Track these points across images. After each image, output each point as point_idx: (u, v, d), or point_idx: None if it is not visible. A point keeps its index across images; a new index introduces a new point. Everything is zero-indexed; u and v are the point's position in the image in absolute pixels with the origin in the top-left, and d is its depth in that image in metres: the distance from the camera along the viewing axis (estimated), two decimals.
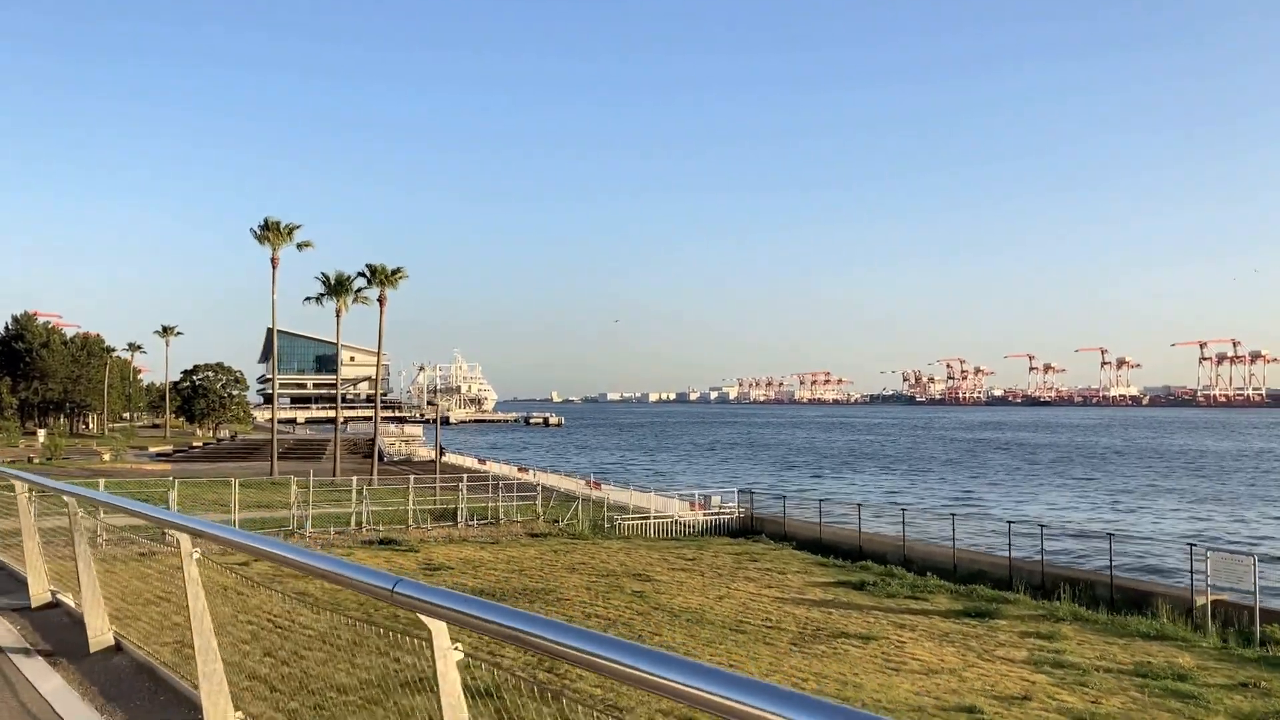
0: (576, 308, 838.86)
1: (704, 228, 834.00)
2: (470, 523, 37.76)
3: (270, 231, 66.64)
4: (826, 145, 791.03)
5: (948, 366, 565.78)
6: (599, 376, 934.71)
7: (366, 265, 61.81)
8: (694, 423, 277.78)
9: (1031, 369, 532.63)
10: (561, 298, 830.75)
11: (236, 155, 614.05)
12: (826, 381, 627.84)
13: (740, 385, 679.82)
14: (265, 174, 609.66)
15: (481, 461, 77.79)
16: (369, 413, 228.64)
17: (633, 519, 38.96)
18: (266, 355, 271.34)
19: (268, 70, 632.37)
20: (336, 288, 63.80)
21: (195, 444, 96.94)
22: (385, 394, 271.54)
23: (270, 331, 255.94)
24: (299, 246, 68.18)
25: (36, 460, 71.85)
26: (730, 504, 42.32)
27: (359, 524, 36.18)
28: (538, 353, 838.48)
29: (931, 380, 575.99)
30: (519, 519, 38.64)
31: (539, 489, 42.05)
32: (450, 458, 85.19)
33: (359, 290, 64.18)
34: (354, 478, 37.77)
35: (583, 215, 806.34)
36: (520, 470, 67.97)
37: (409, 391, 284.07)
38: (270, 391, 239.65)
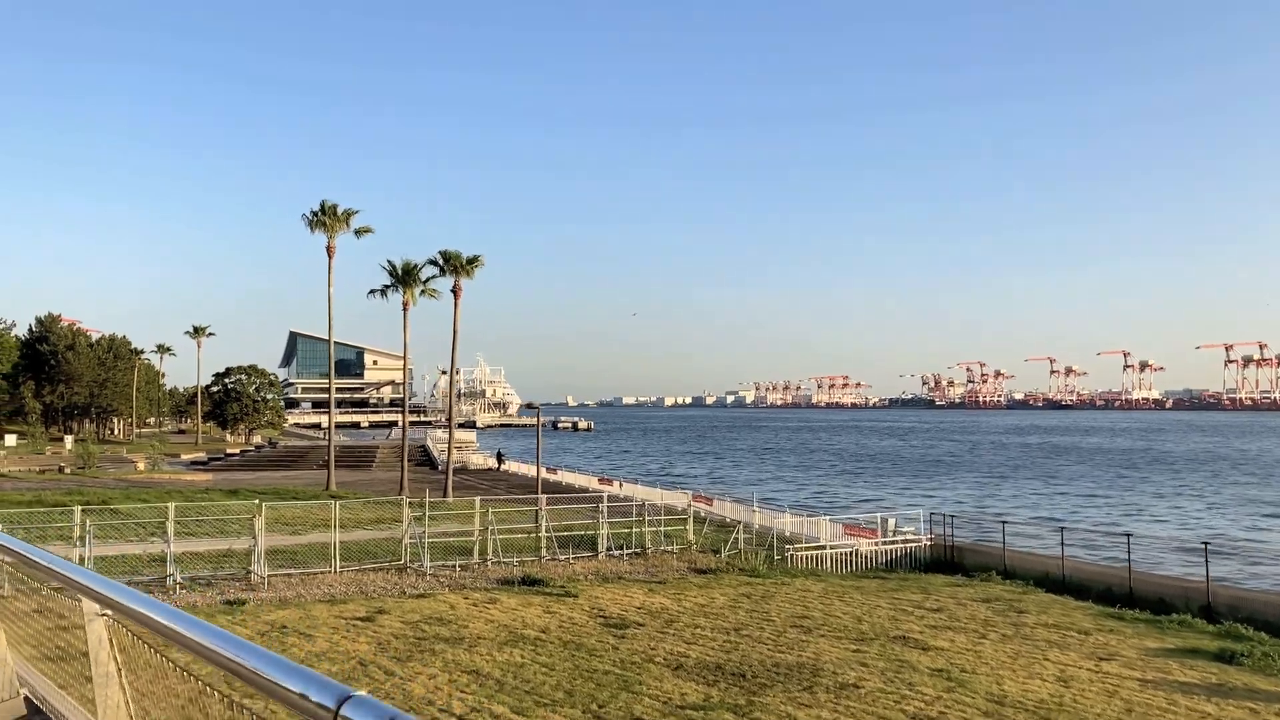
0: (589, 311, 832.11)
1: (717, 231, 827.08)
2: (612, 552, 31.01)
3: (326, 216, 60.25)
4: (841, 147, 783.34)
5: (967, 370, 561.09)
6: (613, 381, 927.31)
7: (439, 252, 55.16)
8: (723, 427, 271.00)
9: (1053, 372, 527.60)
10: (574, 301, 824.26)
11: (251, 162, 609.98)
12: (845, 385, 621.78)
13: (757, 389, 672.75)
14: (281, 180, 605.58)
15: (552, 471, 70.92)
16: (393, 417, 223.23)
17: (805, 549, 32.09)
18: (289, 359, 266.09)
19: (284, 84, 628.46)
20: (404, 278, 57.20)
21: (231, 451, 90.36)
22: (409, 398, 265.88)
23: (295, 336, 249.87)
24: (357, 233, 61.84)
25: (69, 470, 65.47)
26: (906, 528, 35.43)
27: (482, 554, 29.46)
28: (551, 357, 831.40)
29: (951, 384, 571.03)
30: (671, 548, 31.84)
31: (690, 511, 35.11)
32: (511, 466, 78.58)
33: (428, 281, 57.63)
34: (476, 498, 30.97)
35: (596, 218, 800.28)
36: (603, 481, 61.20)
37: (432, 395, 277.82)
38: (293, 396, 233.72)
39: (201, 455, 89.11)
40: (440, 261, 55.31)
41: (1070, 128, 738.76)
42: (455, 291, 55.18)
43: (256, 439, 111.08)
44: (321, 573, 27.11)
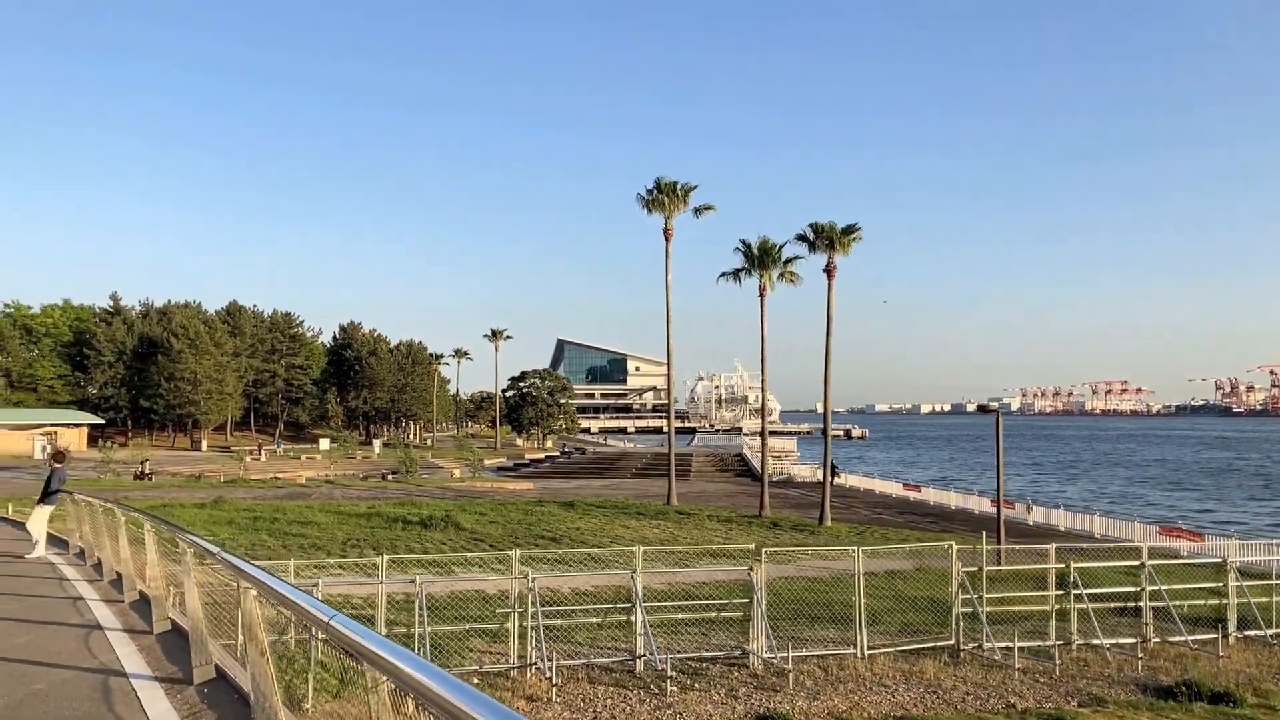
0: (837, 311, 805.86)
1: (971, 226, 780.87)
2: (1249, 633, 20.13)
3: (664, 195, 53.05)
4: (1119, 127, 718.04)
5: (1271, 374, 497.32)
6: (863, 387, 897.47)
7: (809, 225, 45.92)
8: (1007, 435, 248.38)
9: None
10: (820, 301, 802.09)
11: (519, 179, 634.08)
12: (1123, 391, 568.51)
13: (1023, 395, 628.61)
14: (535, 188, 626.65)
15: (912, 488, 60.30)
16: (658, 423, 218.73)
17: None
18: (555, 365, 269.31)
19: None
20: (760, 259, 48.62)
21: (535, 457, 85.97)
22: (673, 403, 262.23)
23: (561, 343, 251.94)
24: (696, 212, 54.26)
25: (391, 477, 61.90)
26: None
27: (1060, 623, 19.36)
28: (800, 362, 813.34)
29: (1250, 389, 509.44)
30: None
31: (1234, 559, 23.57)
32: (849, 479, 68.64)
33: (788, 261, 48.73)
34: (995, 547, 21.02)
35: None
36: (999, 505, 49.64)
37: (691, 400, 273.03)
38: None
39: (504, 460, 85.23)
40: (810, 236, 46.00)
41: None
42: (829, 270, 45.65)
43: (549, 443, 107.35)
44: (843, 654, 18.00)
